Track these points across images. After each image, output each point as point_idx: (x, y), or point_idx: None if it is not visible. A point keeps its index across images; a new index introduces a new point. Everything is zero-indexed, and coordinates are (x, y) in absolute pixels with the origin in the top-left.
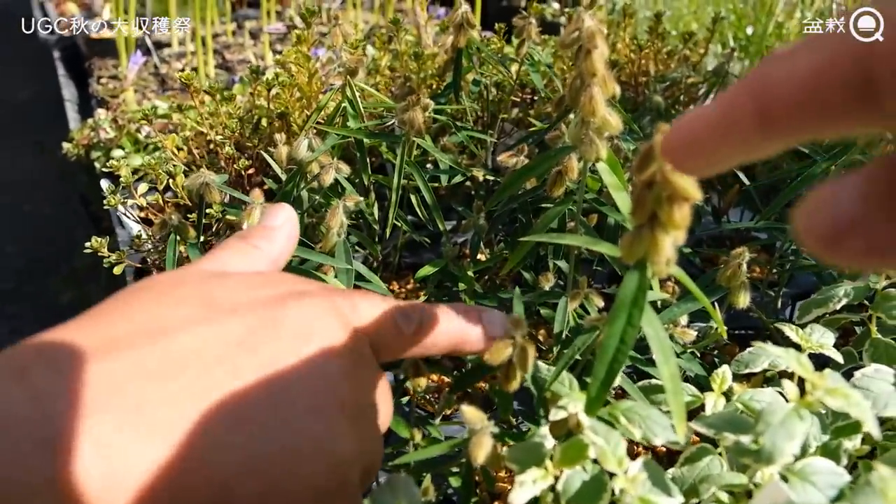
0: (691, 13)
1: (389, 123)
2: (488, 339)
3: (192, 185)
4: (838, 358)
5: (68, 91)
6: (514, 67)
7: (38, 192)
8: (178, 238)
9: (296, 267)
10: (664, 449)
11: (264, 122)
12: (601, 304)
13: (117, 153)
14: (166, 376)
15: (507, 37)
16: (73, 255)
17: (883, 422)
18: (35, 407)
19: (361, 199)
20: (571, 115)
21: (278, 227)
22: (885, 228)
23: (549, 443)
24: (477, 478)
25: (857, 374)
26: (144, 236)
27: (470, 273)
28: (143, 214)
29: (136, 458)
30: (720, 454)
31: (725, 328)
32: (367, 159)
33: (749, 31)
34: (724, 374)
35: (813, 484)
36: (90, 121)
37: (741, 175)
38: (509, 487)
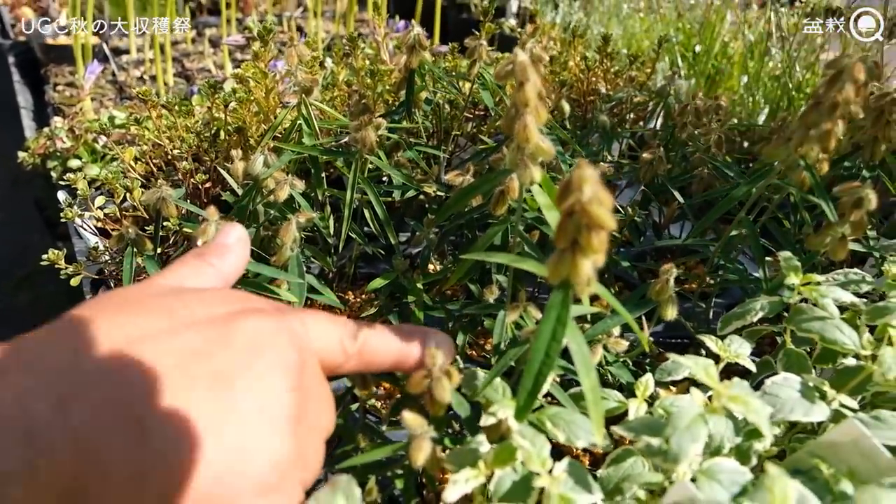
0: (643, 32)
1: (344, 140)
2: (427, 363)
3: (149, 199)
4: (752, 367)
5: (23, 98)
6: (466, 86)
7: None
8: (135, 250)
9: (250, 280)
10: (601, 452)
11: (222, 134)
12: (539, 315)
13: (74, 163)
14: (129, 380)
15: (463, 51)
16: (28, 259)
17: (794, 425)
18: (17, 405)
19: (314, 214)
20: None
21: (231, 245)
22: None
23: (485, 447)
24: (423, 481)
25: (768, 381)
26: (101, 248)
27: (419, 285)
28: (100, 225)
29: (106, 449)
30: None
31: (665, 337)
32: (323, 174)
33: (697, 49)
34: (647, 381)
35: (719, 482)
36: (46, 130)
37: (676, 194)
38: None
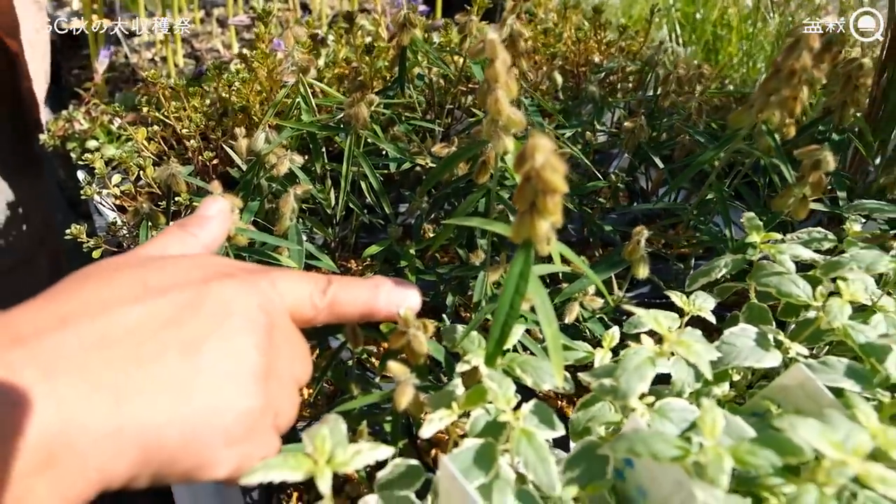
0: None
1: (341, 116)
2: (395, 309)
3: (160, 176)
4: (712, 319)
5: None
6: (460, 60)
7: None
8: (149, 224)
9: (255, 249)
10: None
11: (228, 113)
12: None
13: (91, 144)
14: (106, 346)
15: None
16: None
17: (754, 372)
18: (9, 374)
19: (311, 187)
20: None
21: (212, 216)
22: None
23: (460, 390)
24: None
25: (726, 331)
26: (119, 223)
27: (412, 251)
28: (117, 202)
29: (85, 413)
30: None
31: (650, 297)
32: (323, 149)
33: (698, 15)
34: (612, 333)
35: (669, 419)
36: (64, 113)
37: (657, 160)
38: (445, 437)
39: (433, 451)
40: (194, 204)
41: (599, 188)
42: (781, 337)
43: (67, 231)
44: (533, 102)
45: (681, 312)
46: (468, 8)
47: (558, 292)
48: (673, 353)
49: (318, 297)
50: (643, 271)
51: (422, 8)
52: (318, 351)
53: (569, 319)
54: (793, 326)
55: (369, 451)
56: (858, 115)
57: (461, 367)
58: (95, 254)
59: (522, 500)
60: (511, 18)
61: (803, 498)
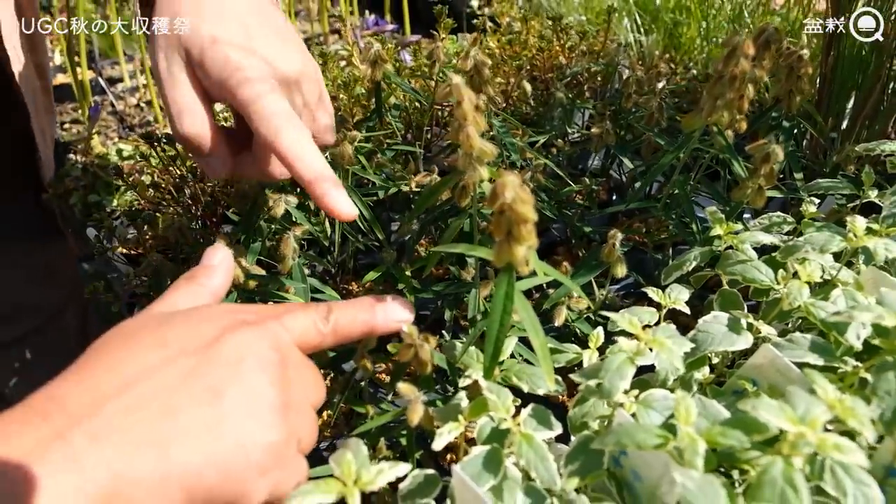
0: None
1: (326, 155)
2: (394, 325)
3: (165, 231)
4: (687, 311)
5: None
6: (431, 83)
7: None
8: (161, 274)
9: (264, 289)
10: None
11: None
12: None
13: (93, 198)
14: (140, 407)
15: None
16: None
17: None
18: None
19: (309, 226)
20: None
21: (216, 265)
22: None
23: (465, 403)
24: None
25: (700, 320)
26: (130, 275)
27: (407, 273)
28: (123, 250)
29: (133, 469)
30: None
31: (636, 287)
32: None
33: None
34: (598, 333)
35: (654, 409)
36: (63, 169)
37: (626, 161)
38: (458, 441)
39: (448, 456)
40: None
41: (576, 191)
42: (752, 320)
43: (88, 287)
44: (502, 123)
45: (658, 306)
46: (435, 26)
47: (547, 297)
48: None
49: (322, 325)
50: (621, 270)
51: (390, 27)
52: (332, 375)
53: (558, 322)
54: (764, 306)
55: (390, 470)
56: (807, 100)
57: (463, 382)
58: (114, 307)
59: (531, 495)
60: (473, 50)
61: (770, 469)
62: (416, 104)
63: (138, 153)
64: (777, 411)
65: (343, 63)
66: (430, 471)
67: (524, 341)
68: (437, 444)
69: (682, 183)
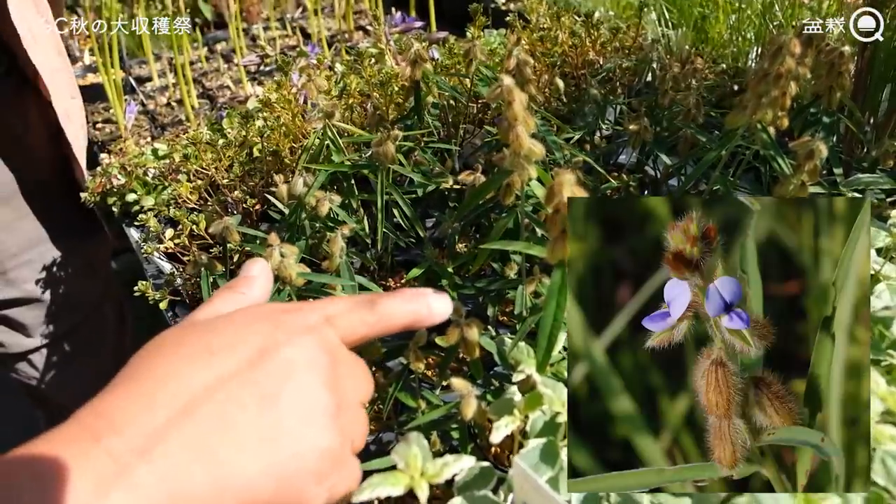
0: None
1: (369, 154)
2: (437, 316)
3: (215, 230)
4: None
5: None
6: (467, 81)
7: None
8: (208, 272)
9: (312, 287)
10: None
11: (255, 152)
12: None
13: (131, 197)
14: (191, 419)
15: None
16: None
17: None
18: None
19: (354, 225)
20: None
21: (256, 276)
22: None
23: (517, 397)
24: (475, 430)
25: None
26: (175, 273)
27: (449, 269)
28: (164, 249)
29: (188, 484)
30: None
31: None
32: (353, 181)
33: None
34: None
35: None
36: (99, 168)
37: (664, 157)
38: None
39: (493, 450)
40: (246, 248)
41: (614, 187)
42: None
43: (135, 287)
44: (543, 121)
45: None
46: (459, 23)
47: None
48: None
49: (368, 317)
50: None
51: (417, 24)
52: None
53: None
54: None
55: (455, 462)
56: (846, 95)
57: (517, 377)
58: (163, 305)
59: None
60: (516, 49)
61: None
62: (451, 102)
63: (182, 156)
64: None
65: (373, 61)
66: (486, 463)
67: None
68: (496, 438)
69: (724, 179)
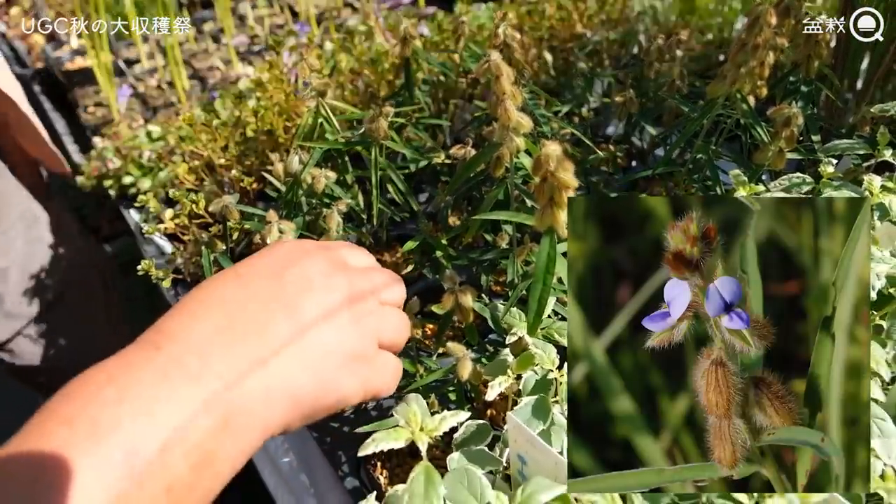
0: None
1: (362, 130)
2: None
3: (216, 208)
4: None
5: (60, 124)
6: (456, 57)
7: None
8: (209, 250)
9: None
10: None
11: (248, 132)
12: None
13: (127, 179)
14: (233, 329)
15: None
16: None
17: None
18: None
19: (350, 201)
20: None
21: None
22: None
23: (510, 359)
24: (470, 392)
25: None
26: (176, 252)
27: (443, 241)
28: (164, 230)
29: (241, 382)
30: None
31: None
32: (346, 158)
33: None
34: None
35: None
36: (94, 152)
37: (649, 127)
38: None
39: (488, 412)
40: (246, 226)
41: (602, 158)
42: None
43: (139, 267)
44: (530, 94)
45: None
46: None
47: None
48: None
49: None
50: None
51: (406, 0)
52: None
53: None
54: None
55: (452, 417)
56: (825, 64)
57: (509, 339)
58: (165, 283)
59: None
60: (503, 25)
61: None
62: (441, 78)
63: (178, 138)
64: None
65: (363, 38)
66: (482, 421)
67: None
68: (491, 395)
69: (706, 147)
